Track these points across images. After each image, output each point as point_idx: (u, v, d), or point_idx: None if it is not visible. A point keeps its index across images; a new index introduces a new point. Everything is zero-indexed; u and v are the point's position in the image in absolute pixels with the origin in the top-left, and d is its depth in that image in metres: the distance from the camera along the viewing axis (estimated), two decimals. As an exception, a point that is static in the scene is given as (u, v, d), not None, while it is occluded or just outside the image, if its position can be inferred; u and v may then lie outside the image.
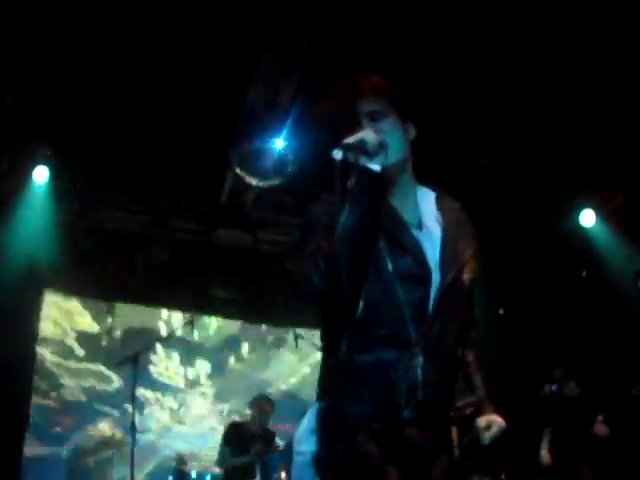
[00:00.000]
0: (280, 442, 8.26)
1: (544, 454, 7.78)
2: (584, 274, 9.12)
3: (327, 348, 2.64)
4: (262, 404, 8.43)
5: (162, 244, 9.14)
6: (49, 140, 8.25)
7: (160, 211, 9.01)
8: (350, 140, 2.43)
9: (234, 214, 8.87)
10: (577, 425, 7.64)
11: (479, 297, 8.46)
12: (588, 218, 8.91)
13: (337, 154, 2.37)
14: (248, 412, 8.70)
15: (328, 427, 2.49)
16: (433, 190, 2.79)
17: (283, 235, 9.26)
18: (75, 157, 8.40)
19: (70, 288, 9.59)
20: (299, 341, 8.50)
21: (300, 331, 8.61)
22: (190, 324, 7.78)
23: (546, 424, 7.91)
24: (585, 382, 7.89)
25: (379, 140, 2.49)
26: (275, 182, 7.69)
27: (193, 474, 7.77)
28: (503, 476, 8.34)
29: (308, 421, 2.59)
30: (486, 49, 6.81)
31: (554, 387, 7.92)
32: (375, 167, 2.43)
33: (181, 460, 7.96)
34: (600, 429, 7.53)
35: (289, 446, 7.63)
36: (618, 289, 8.16)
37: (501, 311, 9.25)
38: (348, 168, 2.38)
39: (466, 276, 2.64)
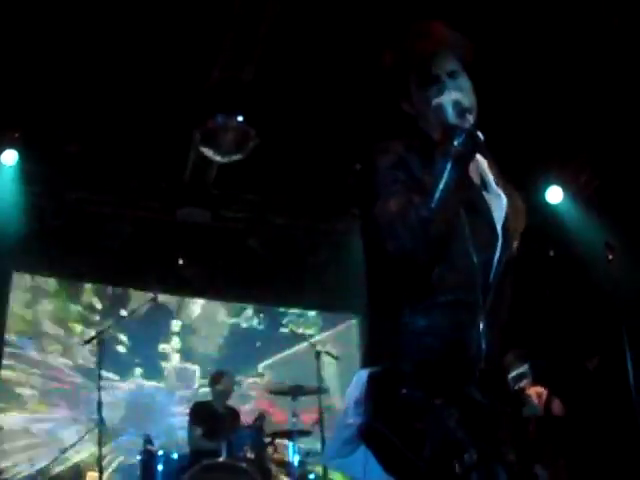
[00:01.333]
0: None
1: None
2: (551, 253, 9.11)
3: (381, 310, 2.50)
4: (219, 380, 8.44)
5: (127, 223, 9.14)
6: (17, 123, 8.28)
7: (124, 190, 9.04)
8: (449, 98, 2.42)
9: (196, 192, 8.88)
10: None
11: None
12: (555, 195, 8.88)
13: (449, 117, 2.36)
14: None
15: (383, 393, 2.37)
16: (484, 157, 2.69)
17: (244, 212, 9.32)
18: (42, 139, 8.40)
19: (38, 269, 9.62)
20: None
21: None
22: (153, 302, 7.79)
23: None
24: (542, 364, 7.87)
25: (471, 102, 2.49)
26: (237, 158, 7.71)
27: (160, 452, 7.74)
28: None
29: (354, 391, 2.43)
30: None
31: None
32: (479, 133, 2.38)
33: (148, 439, 7.94)
34: (557, 407, 7.53)
35: (255, 424, 7.71)
36: (587, 264, 8.13)
37: None
38: (453, 129, 2.34)
39: (516, 246, 2.58)
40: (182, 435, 8.66)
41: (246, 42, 6.89)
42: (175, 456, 7.81)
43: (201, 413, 8.20)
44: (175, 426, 9.90)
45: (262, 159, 7.91)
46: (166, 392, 10.26)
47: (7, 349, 9.41)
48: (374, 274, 2.55)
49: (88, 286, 10.21)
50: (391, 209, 2.34)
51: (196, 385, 10.28)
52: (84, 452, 9.02)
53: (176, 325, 10.43)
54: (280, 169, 8.42)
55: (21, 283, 9.82)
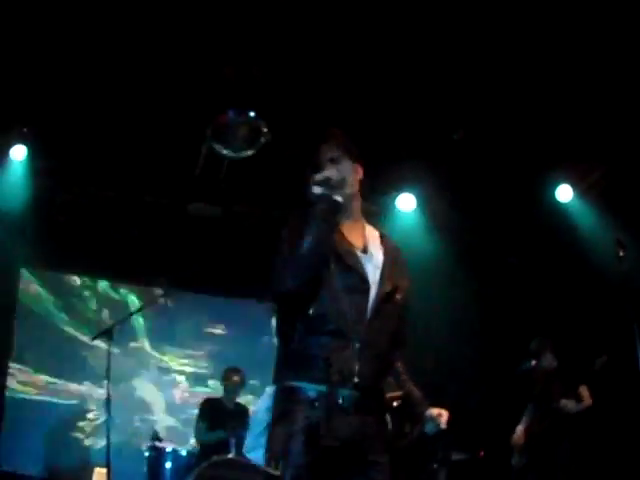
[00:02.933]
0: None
1: (519, 431, 7.74)
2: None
3: (282, 340, 3.24)
4: (230, 376, 8.42)
5: (137, 218, 9.15)
6: (26, 119, 8.29)
7: (134, 185, 9.04)
8: (320, 177, 3.18)
9: (207, 187, 8.83)
10: (550, 400, 7.60)
11: (458, 275, 8.42)
12: (565, 193, 8.88)
13: (316, 190, 3.14)
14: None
15: (282, 405, 3.08)
16: (377, 230, 3.46)
17: (255, 208, 9.29)
18: (52, 134, 8.40)
19: (46, 265, 9.64)
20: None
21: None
22: (164, 297, 7.74)
23: (527, 400, 7.85)
24: (562, 355, 7.86)
25: (341, 177, 3.23)
26: (248, 154, 7.68)
27: (168, 449, 7.72)
28: (482, 454, 8.35)
29: (266, 400, 3.34)
30: (458, 22, 6.79)
31: (533, 361, 7.87)
32: (338, 197, 3.17)
33: (156, 436, 7.92)
34: (567, 404, 7.50)
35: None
36: (598, 263, 8.14)
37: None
38: (317, 197, 3.14)
39: (399, 296, 3.27)
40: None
41: (258, 38, 6.90)
42: (184, 453, 7.81)
43: (210, 409, 8.21)
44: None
45: (273, 155, 7.90)
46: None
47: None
48: (277, 310, 3.32)
49: (96, 282, 10.25)
50: (278, 259, 3.11)
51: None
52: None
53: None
54: (291, 166, 8.39)
55: (29, 278, 9.89)
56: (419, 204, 9.28)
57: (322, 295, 3.08)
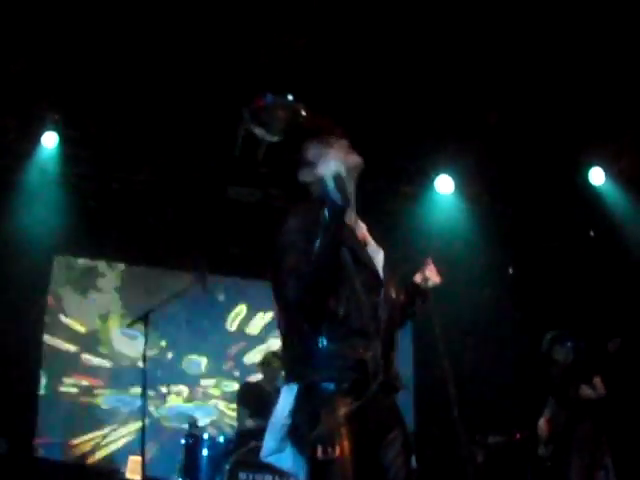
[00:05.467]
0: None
1: (542, 424, 7.75)
2: (591, 234, 9.21)
3: (299, 337, 3.12)
4: (270, 361, 8.19)
5: (173, 203, 9.15)
6: (57, 105, 8.29)
7: (170, 169, 9.01)
8: (335, 169, 3.05)
9: (245, 170, 8.82)
10: (568, 392, 7.62)
11: (490, 257, 8.34)
12: (597, 176, 8.97)
13: (330, 184, 3.00)
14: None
15: (309, 404, 3.01)
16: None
17: (294, 190, 9.15)
18: (83, 119, 8.45)
19: (80, 252, 9.63)
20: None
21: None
22: (201, 282, 7.66)
23: (549, 392, 7.87)
24: (586, 344, 7.86)
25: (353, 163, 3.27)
26: (287, 136, 7.66)
27: (205, 436, 7.66)
28: (518, 436, 8.36)
29: (288, 401, 3.06)
30: (490, 6, 6.82)
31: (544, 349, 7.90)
32: (348, 194, 3.06)
33: (194, 423, 7.87)
34: (585, 391, 7.51)
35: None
36: (628, 245, 8.22)
37: (511, 270, 9.35)
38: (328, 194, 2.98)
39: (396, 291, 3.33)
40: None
41: (296, 20, 6.91)
42: (221, 440, 7.71)
43: (249, 394, 8.02)
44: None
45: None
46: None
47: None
48: (287, 309, 3.19)
49: (132, 268, 10.18)
50: (287, 265, 3.05)
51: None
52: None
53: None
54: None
55: (63, 267, 9.82)
56: (457, 186, 9.27)
57: (344, 294, 3.06)
